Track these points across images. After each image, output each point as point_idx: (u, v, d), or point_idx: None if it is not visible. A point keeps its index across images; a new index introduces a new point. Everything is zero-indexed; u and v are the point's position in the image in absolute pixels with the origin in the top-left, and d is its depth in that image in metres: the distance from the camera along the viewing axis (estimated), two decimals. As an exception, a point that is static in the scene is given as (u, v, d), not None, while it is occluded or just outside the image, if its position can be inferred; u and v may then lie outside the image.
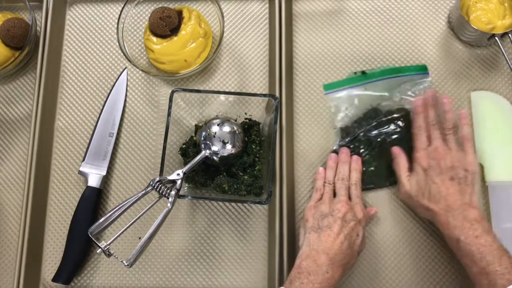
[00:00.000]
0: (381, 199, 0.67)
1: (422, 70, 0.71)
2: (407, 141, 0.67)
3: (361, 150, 0.68)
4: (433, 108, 0.66)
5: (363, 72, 0.72)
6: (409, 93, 0.70)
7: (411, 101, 0.69)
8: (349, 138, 0.69)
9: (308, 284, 0.53)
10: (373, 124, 0.69)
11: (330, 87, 0.72)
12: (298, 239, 0.63)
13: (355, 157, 0.67)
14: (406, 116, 0.69)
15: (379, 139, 0.68)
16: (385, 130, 0.68)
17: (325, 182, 0.66)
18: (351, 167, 0.66)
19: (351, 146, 0.68)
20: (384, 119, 0.69)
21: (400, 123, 0.68)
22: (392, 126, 0.68)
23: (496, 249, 0.53)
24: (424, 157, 0.62)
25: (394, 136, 0.68)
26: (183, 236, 0.68)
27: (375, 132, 0.68)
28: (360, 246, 0.60)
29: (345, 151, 0.67)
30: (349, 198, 0.63)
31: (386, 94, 0.70)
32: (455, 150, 0.62)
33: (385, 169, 0.67)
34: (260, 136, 0.67)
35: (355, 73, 0.72)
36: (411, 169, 0.64)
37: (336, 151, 0.69)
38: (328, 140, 0.70)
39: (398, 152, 0.66)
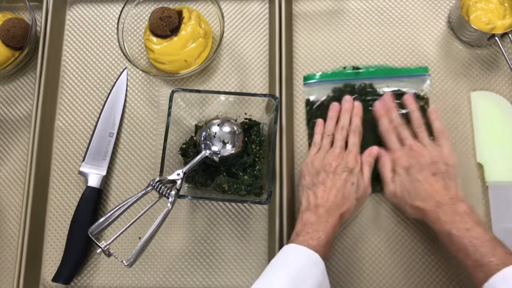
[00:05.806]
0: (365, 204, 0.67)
1: (423, 71, 0.70)
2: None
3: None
4: (395, 110, 0.65)
5: (356, 68, 0.70)
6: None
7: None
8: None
9: (314, 233, 0.56)
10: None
11: (310, 78, 0.69)
12: (298, 195, 0.64)
13: (356, 102, 0.65)
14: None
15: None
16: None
17: (323, 134, 0.65)
18: (352, 114, 0.65)
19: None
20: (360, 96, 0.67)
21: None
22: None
23: (488, 240, 0.53)
24: (403, 157, 0.61)
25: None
26: (183, 236, 0.68)
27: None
28: (358, 193, 0.61)
29: (348, 99, 0.65)
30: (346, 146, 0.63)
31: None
32: (430, 146, 0.61)
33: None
34: (260, 136, 0.66)
35: (345, 67, 0.71)
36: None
37: (323, 103, 0.68)
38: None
39: (381, 152, 0.64)
